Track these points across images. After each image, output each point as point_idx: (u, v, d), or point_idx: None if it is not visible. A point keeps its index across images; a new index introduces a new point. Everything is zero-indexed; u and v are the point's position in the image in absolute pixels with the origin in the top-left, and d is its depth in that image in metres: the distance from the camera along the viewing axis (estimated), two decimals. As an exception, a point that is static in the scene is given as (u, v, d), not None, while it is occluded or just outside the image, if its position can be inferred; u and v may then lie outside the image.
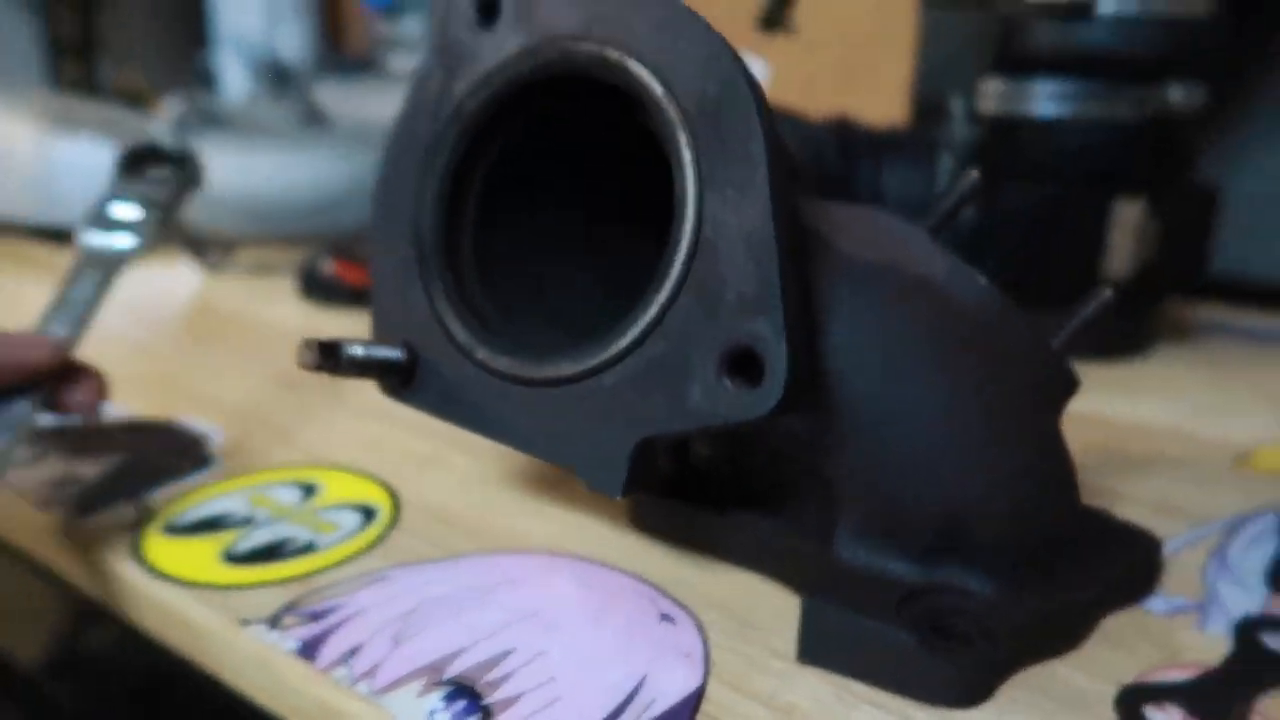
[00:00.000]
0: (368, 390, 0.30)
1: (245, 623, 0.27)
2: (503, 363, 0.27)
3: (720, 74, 0.23)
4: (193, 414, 0.42)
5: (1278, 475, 0.37)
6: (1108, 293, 0.28)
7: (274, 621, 0.27)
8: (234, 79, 1.07)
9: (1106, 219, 0.45)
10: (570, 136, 0.29)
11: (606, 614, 0.27)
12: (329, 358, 0.26)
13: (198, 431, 0.40)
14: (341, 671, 0.25)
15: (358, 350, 0.27)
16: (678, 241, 0.24)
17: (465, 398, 0.28)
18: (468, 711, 0.23)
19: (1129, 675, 0.25)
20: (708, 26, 0.24)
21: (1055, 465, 0.27)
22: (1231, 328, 0.54)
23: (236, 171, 0.61)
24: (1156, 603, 0.28)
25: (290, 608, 0.27)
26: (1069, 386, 0.27)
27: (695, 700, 0.24)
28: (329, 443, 0.39)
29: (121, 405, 0.42)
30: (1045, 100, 0.46)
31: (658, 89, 0.24)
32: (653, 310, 0.24)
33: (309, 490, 0.35)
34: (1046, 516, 0.27)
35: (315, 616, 0.27)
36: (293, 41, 1.08)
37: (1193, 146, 0.47)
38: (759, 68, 0.80)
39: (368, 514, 0.33)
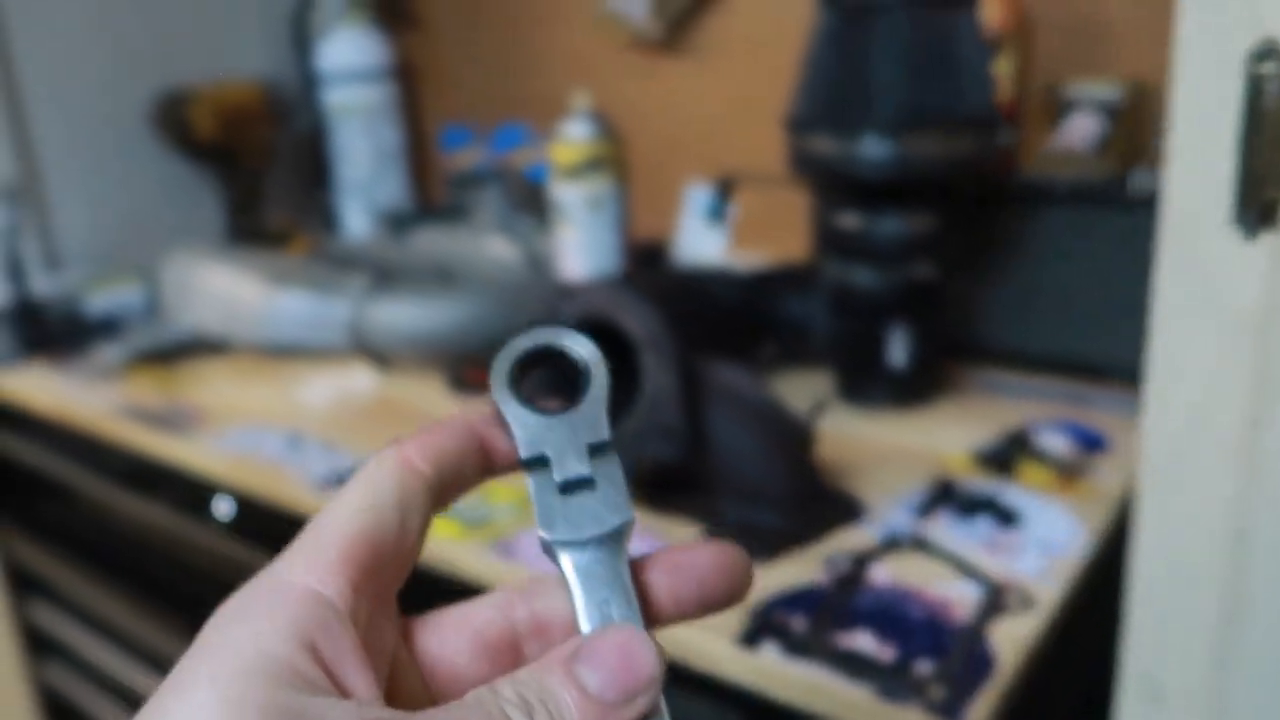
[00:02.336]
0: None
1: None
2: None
3: (655, 326, 0.62)
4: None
5: (956, 468, 0.74)
6: (823, 399, 0.67)
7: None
8: (353, 218, 1.48)
9: (888, 334, 0.83)
10: (595, 339, 0.68)
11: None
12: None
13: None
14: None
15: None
16: (644, 386, 0.63)
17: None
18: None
19: (833, 551, 0.63)
20: (651, 307, 0.63)
21: (804, 469, 0.65)
22: (986, 381, 0.91)
23: (400, 315, 1.01)
24: (861, 525, 0.66)
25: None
26: (809, 434, 0.65)
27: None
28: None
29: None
30: (858, 275, 0.84)
31: (632, 330, 0.63)
32: (639, 411, 0.63)
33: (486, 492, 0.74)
34: (800, 491, 0.65)
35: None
36: (393, 189, 1.49)
37: (933, 292, 0.85)
38: (731, 210, 1.18)
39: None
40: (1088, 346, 0.87)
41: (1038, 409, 0.84)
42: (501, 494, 0.74)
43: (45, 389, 1.07)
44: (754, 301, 0.89)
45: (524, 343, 0.25)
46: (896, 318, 0.83)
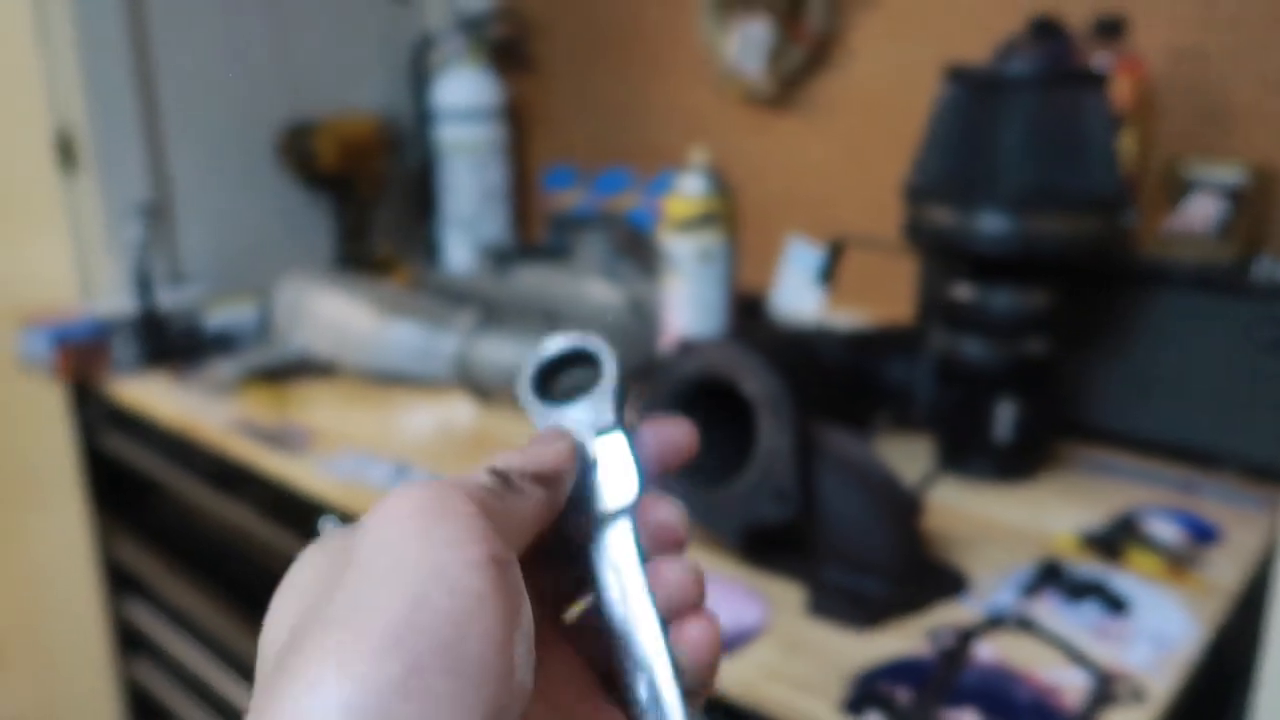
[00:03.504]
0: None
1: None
2: (698, 487, 0.67)
3: (774, 387, 0.63)
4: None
5: (1062, 549, 0.73)
6: (932, 471, 0.67)
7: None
8: (455, 251, 1.52)
9: (995, 407, 0.83)
10: (711, 396, 0.70)
11: (732, 593, 0.66)
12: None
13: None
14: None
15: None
16: (759, 447, 0.64)
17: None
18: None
19: (936, 624, 0.63)
20: (770, 368, 0.64)
21: (910, 539, 0.66)
22: (1092, 461, 0.90)
23: (506, 352, 1.04)
24: (963, 599, 0.66)
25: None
26: (917, 505, 0.66)
27: (761, 624, 0.63)
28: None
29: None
30: (968, 346, 0.84)
31: (750, 389, 0.64)
32: (753, 471, 0.64)
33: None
34: (904, 560, 0.65)
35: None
36: (496, 225, 1.53)
37: (1044, 369, 0.84)
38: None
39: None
40: (1200, 434, 0.86)
41: (1145, 493, 0.82)
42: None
43: (164, 398, 1.12)
44: (857, 362, 0.89)
45: (547, 350, 0.28)
46: (1005, 391, 0.83)
